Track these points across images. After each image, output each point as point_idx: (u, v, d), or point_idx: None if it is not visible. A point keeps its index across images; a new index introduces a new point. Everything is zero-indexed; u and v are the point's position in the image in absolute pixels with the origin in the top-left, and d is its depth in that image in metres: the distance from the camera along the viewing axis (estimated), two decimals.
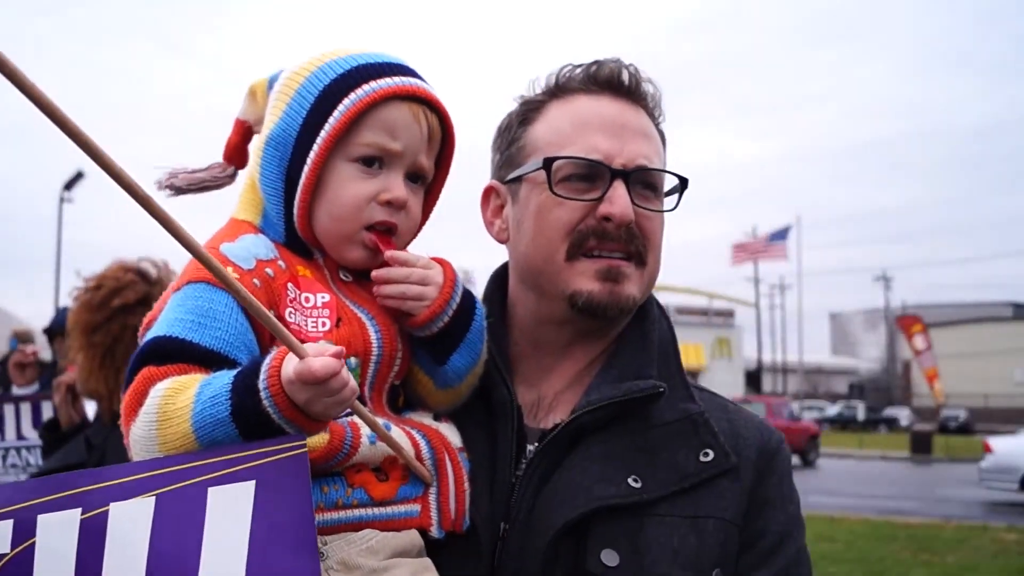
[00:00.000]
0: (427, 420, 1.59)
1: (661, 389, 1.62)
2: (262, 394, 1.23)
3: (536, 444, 1.61)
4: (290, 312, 1.44)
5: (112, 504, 1.22)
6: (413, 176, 1.57)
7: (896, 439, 47.99)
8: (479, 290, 1.80)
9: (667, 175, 1.72)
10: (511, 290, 1.79)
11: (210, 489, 1.20)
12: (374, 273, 1.54)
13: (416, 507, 1.48)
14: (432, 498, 1.49)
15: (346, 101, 1.49)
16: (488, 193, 1.80)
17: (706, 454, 1.61)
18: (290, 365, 1.21)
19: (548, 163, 1.64)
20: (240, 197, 1.60)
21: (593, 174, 1.64)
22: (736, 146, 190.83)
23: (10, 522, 1.26)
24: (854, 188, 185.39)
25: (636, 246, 1.65)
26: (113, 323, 3.37)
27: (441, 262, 1.59)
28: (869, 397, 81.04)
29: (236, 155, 1.64)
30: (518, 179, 1.72)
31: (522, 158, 1.72)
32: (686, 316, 62.10)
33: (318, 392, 1.21)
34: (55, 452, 3.95)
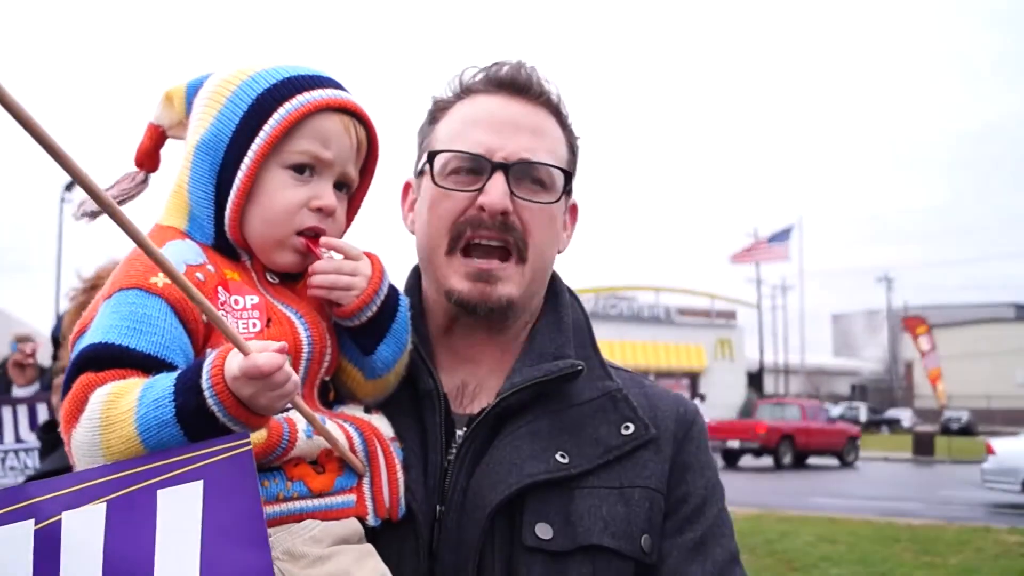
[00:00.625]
0: (358, 413, 1.64)
1: (579, 367, 1.70)
2: (206, 392, 1.26)
3: (465, 429, 1.67)
4: (222, 315, 1.44)
5: (64, 513, 1.23)
6: (339, 184, 1.63)
7: (898, 440, 48.00)
8: None
9: (554, 169, 1.74)
10: (423, 282, 1.85)
11: (159, 491, 1.23)
12: (311, 266, 1.58)
13: (352, 497, 1.54)
14: (366, 488, 1.55)
15: (281, 110, 1.53)
16: (406, 189, 1.91)
17: (627, 427, 1.71)
18: (234, 361, 1.25)
19: (431, 156, 1.74)
20: (165, 202, 1.61)
21: (477, 168, 1.70)
22: (738, 146, 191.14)
23: None
24: (855, 189, 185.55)
25: (514, 237, 1.70)
26: None
27: (370, 256, 1.64)
28: (871, 398, 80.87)
29: (147, 159, 1.65)
30: (421, 174, 1.80)
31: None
32: (687, 317, 62.00)
33: (263, 387, 1.25)
34: (52, 453, 3.94)
